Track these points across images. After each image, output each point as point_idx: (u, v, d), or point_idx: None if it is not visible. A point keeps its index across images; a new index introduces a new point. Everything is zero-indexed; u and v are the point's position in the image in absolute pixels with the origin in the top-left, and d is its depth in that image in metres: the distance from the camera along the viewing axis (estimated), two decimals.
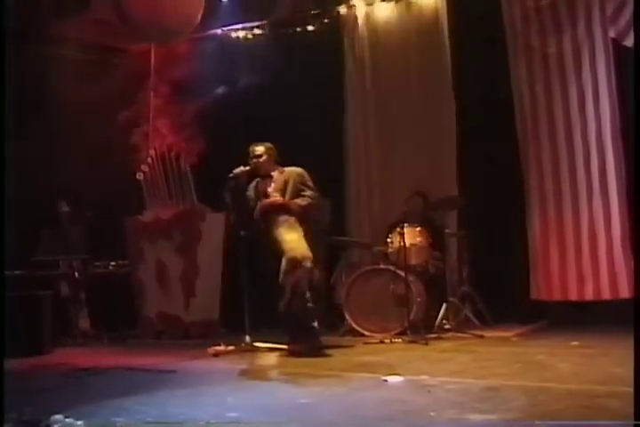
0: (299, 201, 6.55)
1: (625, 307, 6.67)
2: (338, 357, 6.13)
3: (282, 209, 6.53)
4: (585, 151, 7.40)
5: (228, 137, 8.46)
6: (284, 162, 6.83)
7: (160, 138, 8.76)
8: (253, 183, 6.80)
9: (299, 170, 6.72)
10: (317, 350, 6.24)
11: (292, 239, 6.31)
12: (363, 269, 7.55)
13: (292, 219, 6.47)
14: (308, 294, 6.36)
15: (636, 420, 3.16)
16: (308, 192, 6.60)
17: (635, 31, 6.70)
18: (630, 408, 3.26)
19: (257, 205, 6.71)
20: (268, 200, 6.60)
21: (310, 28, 8.92)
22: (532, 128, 7.69)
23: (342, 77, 8.83)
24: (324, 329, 7.46)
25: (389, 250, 7.43)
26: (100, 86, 8.87)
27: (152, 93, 9.39)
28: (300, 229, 6.41)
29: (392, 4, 8.60)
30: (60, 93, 8.52)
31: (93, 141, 8.73)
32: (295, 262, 6.14)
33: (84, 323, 8.19)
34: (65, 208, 8.65)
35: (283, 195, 6.61)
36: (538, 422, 3.44)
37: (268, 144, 6.79)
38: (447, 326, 7.18)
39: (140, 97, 9.07)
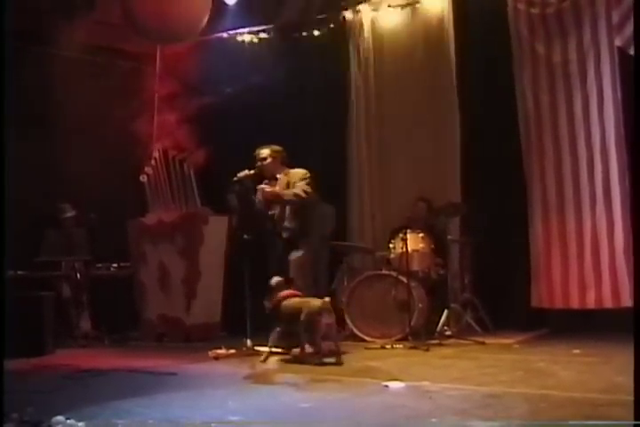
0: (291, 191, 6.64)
1: (627, 315, 6.66)
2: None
3: (276, 199, 6.58)
4: (589, 160, 7.39)
5: (232, 140, 8.46)
6: (288, 165, 6.85)
7: (164, 140, 8.78)
8: (261, 185, 6.84)
9: (302, 172, 6.79)
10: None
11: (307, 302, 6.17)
12: (365, 274, 7.55)
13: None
14: None
15: (636, 420, 3.16)
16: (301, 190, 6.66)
17: (635, 37, 6.70)
18: (631, 420, 3.26)
19: (262, 207, 6.76)
20: (262, 193, 6.63)
21: (316, 32, 8.93)
22: (535, 136, 7.68)
23: (347, 82, 8.84)
24: None
25: (392, 255, 7.44)
26: (105, 89, 8.90)
27: (157, 96, 9.41)
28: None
29: (398, 10, 8.60)
30: (65, 95, 8.54)
31: (97, 143, 8.76)
32: (321, 309, 5.94)
33: (86, 324, 8.19)
34: (68, 209, 8.66)
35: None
36: (538, 423, 3.44)
37: (275, 146, 6.82)
38: (448, 333, 7.18)
39: (144, 100, 9.07)
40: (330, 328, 5.91)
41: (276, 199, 6.65)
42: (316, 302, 5.94)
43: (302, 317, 5.87)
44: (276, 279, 6.29)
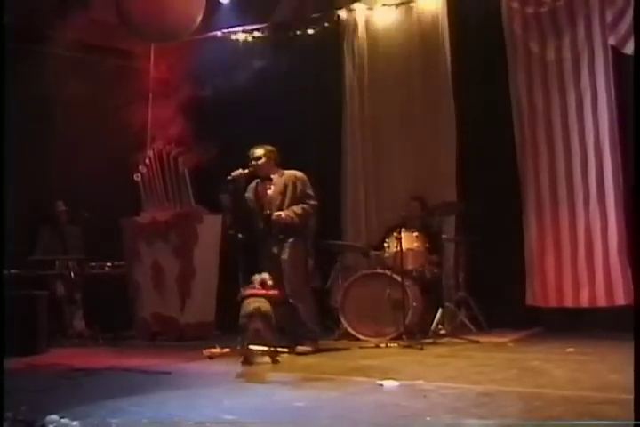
0: (294, 209, 6.59)
1: (620, 314, 6.68)
2: (333, 360, 6.14)
3: (293, 221, 6.58)
4: (583, 158, 7.41)
5: (226, 139, 8.44)
6: (282, 165, 6.84)
7: (158, 139, 8.76)
8: (252, 184, 6.85)
9: (299, 174, 6.76)
10: (314, 353, 6.34)
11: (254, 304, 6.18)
12: (359, 273, 7.54)
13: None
14: (310, 299, 6.59)
15: (636, 420, 3.16)
16: (310, 201, 6.64)
17: (635, 37, 6.71)
18: (627, 415, 3.26)
19: (255, 207, 6.75)
20: (278, 219, 6.59)
21: (310, 31, 8.92)
22: (530, 135, 7.70)
23: (341, 81, 8.83)
24: (322, 333, 7.51)
25: (386, 254, 7.43)
26: (99, 87, 8.89)
27: (151, 95, 9.40)
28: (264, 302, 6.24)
29: (392, 8, 8.60)
30: (58, 93, 8.52)
31: (90, 143, 8.75)
32: (250, 314, 6.02)
33: (79, 323, 8.18)
34: (60, 206, 8.64)
35: (283, 199, 6.67)
36: (537, 423, 3.45)
37: (269, 146, 6.81)
38: (443, 331, 7.19)
39: (138, 98, 9.06)
40: (258, 333, 5.95)
41: (291, 221, 6.61)
42: (250, 307, 6.01)
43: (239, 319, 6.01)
44: (260, 276, 6.34)
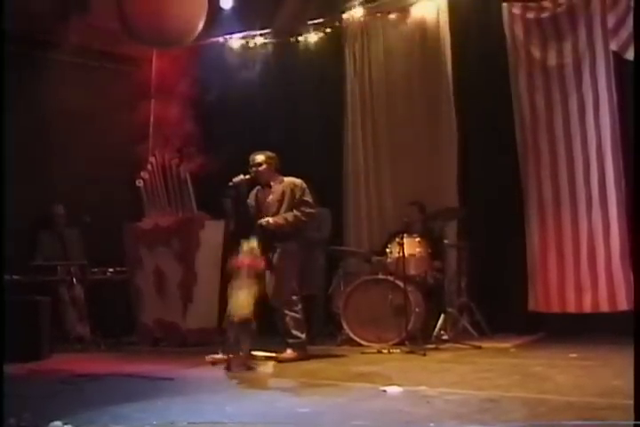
0: (285, 216, 6.58)
1: (623, 319, 6.67)
2: (336, 366, 6.13)
3: (281, 227, 6.57)
4: (585, 163, 7.41)
5: (228, 145, 8.44)
6: (283, 171, 6.84)
7: (160, 145, 8.77)
8: (254, 191, 6.84)
9: (297, 181, 6.73)
10: (298, 360, 6.35)
11: (237, 297, 6.16)
12: (361, 278, 7.53)
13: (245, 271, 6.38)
14: (297, 306, 6.54)
15: (636, 420, 3.16)
16: (307, 209, 6.62)
17: (635, 41, 6.72)
18: (631, 421, 3.26)
19: (254, 213, 6.74)
20: (267, 224, 6.58)
21: (312, 37, 8.94)
22: (532, 139, 7.70)
23: (343, 87, 8.84)
24: (322, 338, 7.52)
25: (388, 260, 7.43)
26: (100, 91, 8.90)
27: (152, 101, 9.41)
28: (250, 282, 6.21)
29: (394, 14, 8.61)
30: (59, 98, 8.53)
31: (93, 149, 8.76)
32: (231, 322, 6.03)
33: (82, 329, 8.17)
34: (61, 212, 8.65)
35: (279, 206, 6.66)
36: (538, 424, 3.44)
37: (269, 153, 6.80)
38: (445, 337, 7.18)
39: (140, 104, 9.07)
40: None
41: (280, 228, 6.60)
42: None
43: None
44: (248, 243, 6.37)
